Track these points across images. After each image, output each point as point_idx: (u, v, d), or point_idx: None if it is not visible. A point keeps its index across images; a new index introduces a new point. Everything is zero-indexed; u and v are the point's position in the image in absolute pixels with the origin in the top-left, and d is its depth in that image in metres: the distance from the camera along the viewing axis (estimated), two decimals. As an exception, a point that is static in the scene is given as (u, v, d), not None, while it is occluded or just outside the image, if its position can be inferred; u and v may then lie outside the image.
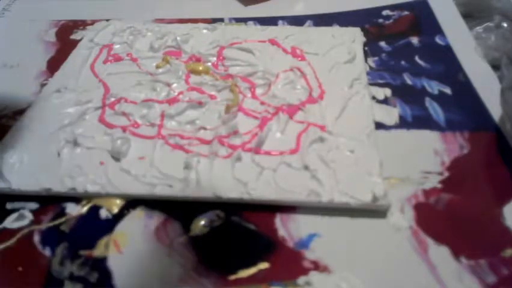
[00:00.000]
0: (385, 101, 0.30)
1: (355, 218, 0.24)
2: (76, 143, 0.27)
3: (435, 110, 0.29)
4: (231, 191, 0.25)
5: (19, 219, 0.25)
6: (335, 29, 0.36)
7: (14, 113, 0.31)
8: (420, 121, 0.29)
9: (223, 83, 0.31)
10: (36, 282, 0.22)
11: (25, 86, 0.33)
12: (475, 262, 0.22)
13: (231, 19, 0.39)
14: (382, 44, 0.35)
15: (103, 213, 0.25)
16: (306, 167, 0.25)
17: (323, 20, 0.38)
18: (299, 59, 0.33)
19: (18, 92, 0.32)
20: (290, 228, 0.24)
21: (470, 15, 0.37)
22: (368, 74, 0.32)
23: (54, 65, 0.34)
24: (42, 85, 0.33)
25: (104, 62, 0.34)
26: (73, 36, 0.38)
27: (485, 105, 0.29)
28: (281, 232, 0.24)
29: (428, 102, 0.30)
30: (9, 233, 0.24)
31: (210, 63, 0.33)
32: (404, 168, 0.26)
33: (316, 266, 0.22)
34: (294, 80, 0.31)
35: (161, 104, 0.30)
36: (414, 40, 0.35)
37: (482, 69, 0.32)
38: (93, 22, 0.39)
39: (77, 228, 0.24)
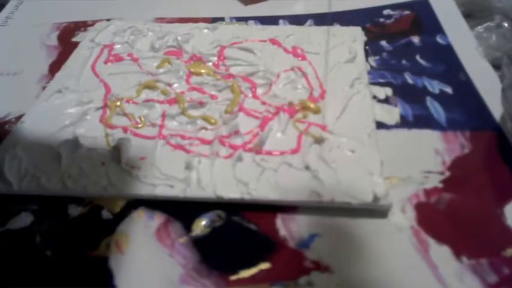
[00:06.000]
0: (386, 101, 0.30)
1: (356, 218, 0.24)
2: (77, 144, 0.27)
3: (436, 110, 0.29)
4: (232, 191, 0.25)
5: (21, 220, 0.25)
6: (336, 29, 0.36)
7: (16, 119, 0.30)
8: (421, 120, 0.29)
9: (224, 83, 0.31)
10: (38, 283, 0.22)
11: (28, 91, 0.33)
12: (476, 262, 0.22)
13: (231, 18, 0.39)
14: (383, 43, 0.35)
15: (105, 214, 0.25)
16: (307, 167, 0.25)
17: (323, 19, 0.38)
18: (300, 58, 0.33)
19: (21, 98, 0.32)
20: (291, 228, 0.24)
21: (471, 15, 0.37)
22: (368, 73, 0.32)
23: (56, 68, 0.34)
24: (44, 88, 0.33)
25: (105, 62, 0.34)
26: (74, 39, 0.38)
27: (486, 104, 0.29)
28: (282, 232, 0.24)
29: (429, 101, 0.30)
30: (11, 233, 0.24)
31: (210, 63, 0.33)
32: (405, 168, 0.26)
33: (318, 266, 0.22)
34: (295, 79, 0.31)
35: (162, 104, 0.30)
36: (415, 39, 0.35)
37: (483, 69, 0.32)
38: (94, 23, 0.39)
39: (78, 229, 0.24)
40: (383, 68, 0.33)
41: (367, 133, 0.27)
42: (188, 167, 0.26)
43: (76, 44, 0.36)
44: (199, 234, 0.24)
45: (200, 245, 0.23)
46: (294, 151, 0.27)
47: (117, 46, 0.35)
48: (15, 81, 0.34)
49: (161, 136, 0.28)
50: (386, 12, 0.38)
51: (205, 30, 0.36)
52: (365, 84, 0.31)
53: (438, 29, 0.36)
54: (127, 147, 0.27)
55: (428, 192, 0.25)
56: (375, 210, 0.24)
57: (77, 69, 0.33)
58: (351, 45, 0.34)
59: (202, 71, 0.32)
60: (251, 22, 0.38)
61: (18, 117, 0.30)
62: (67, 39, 0.38)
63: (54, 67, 0.35)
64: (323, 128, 0.28)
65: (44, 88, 0.33)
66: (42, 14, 0.42)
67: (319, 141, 0.27)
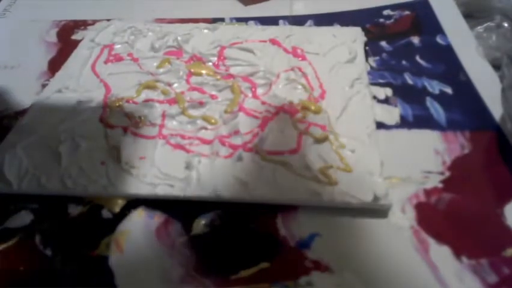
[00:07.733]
0: (386, 101, 0.30)
1: (356, 218, 0.24)
2: (77, 144, 0.27)
3: (436, 110, 0.29)
4: (232, 191, 0.25)
5: (20, 219, 0.25)
6: (336, 29, 0.36)
7: (15, 114, 0.31)
8: (421, 121, 0.29)
9: (224, 83, 0.31)
10: (38, 283, 0.22)
11: (26, 86, 0.33)
12: (476, 262, 0.22)
13: (231, 19, 0.39)
14: (383, 43, 0.35)
15: (105, 213, 0.25)
16: (307, 167, 0.25)
17: (323, 19, 0.38)
18: (300, 58, 0.33)
19: (19, 92, 0.32)
20: (291, 228, 0.24)
21: (471, 15, 0.37)
22: (368, 73, 0.32)
23: (55, 65, 0.34)
24: (44, 85, 0.33)
25: (105, 62, 0.34)
26: (74, 37, 0.38)
27: (486, 104, 0.29)
28: (282, 232, 0.24)
29: (429, 101, 0.30)
30: (11, 233, 0.24)
31: (210, 63, 0.33)
32: (405, 168, 0.26)
33: (318, 266, 0.22)
34: (295, 79, 0.31)
35: (162, 104, 0.30)
36: (415, 40, 0.35)
37: (483, 69, 0.32)
38: (94, 22, 0.39)
39: (78, 228, 0.24)
40: (383, 69, 0.33)
41: (367, 133, 0.27)
42: (188, 166, 0.26)
43: (76, 42, 0.36)
44: (199, 234, 0.24)
45: (200, 244, 0.23)
46: (294, 151, 0.27)
47: (117, 46, 0.35)
48: (14, 75, 0.35)
49: (161, 136, 0.28)
50: (386, 12, 0.38)
51: (205, 31, 0.36)
52: (365, 85, 0.31)
53: (438, 29, 0.36)
54: (127, 147, 0.27)
55: (428, 192, 0.25)
56: (375, 210, 0.24)
57: (77, 69, 0.33)
58: (351, 45, 0.34)
59: (202, 71, 0.32)
60: (251, 22, 0.38)
61: (17, 113, 0.30)
62: (67, 36, 0.38)
63: (54, 64, 0.35)
64: (323, 128, 0.28)
65: (43, 85, 0.33)
66: (41, 10, 0.42)
67: (322, 140, 0.27)
